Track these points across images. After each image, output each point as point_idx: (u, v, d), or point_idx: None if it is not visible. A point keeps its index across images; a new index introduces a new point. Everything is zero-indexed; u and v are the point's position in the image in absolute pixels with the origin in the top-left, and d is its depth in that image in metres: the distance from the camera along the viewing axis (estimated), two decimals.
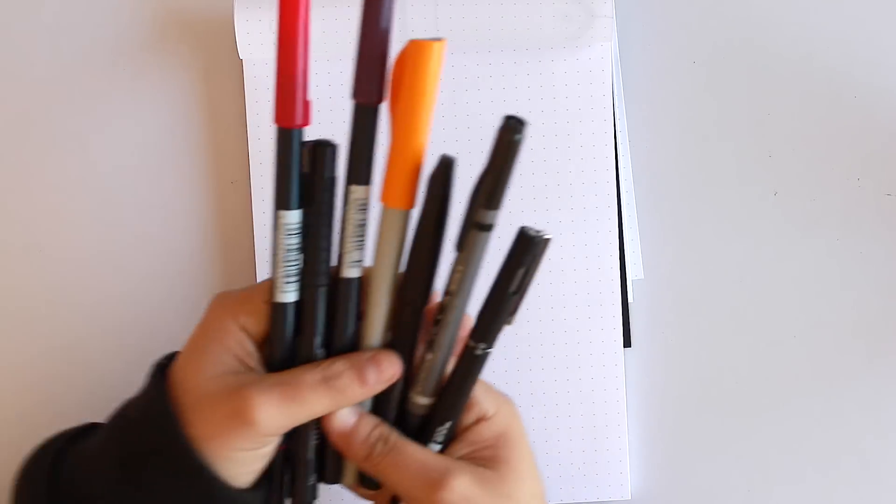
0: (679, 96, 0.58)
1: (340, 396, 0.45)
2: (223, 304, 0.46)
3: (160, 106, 0.57)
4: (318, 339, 0.46)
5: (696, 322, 0.57)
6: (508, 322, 0.46)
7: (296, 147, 0.45)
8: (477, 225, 0.44)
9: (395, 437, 0.46)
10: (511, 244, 0.44)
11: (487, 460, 0.46)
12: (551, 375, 0.56)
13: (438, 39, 0.43)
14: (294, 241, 0.46)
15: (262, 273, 0.56)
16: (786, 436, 0.57)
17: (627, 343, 0.57)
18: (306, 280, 0.46)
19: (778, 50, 0.58)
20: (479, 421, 0.47)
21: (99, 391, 0.56)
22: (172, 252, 0.57)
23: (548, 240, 0.44)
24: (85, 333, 0.56)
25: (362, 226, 0.46)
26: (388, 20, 0.44)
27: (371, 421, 0.46)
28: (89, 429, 0.49)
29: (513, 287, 0.44)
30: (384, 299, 0.46)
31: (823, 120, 0.58)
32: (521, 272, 0.44)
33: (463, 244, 0.45)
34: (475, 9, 0.55)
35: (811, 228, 0.57)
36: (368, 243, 0.46)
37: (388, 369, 0.46)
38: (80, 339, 0.56)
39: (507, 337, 0.55)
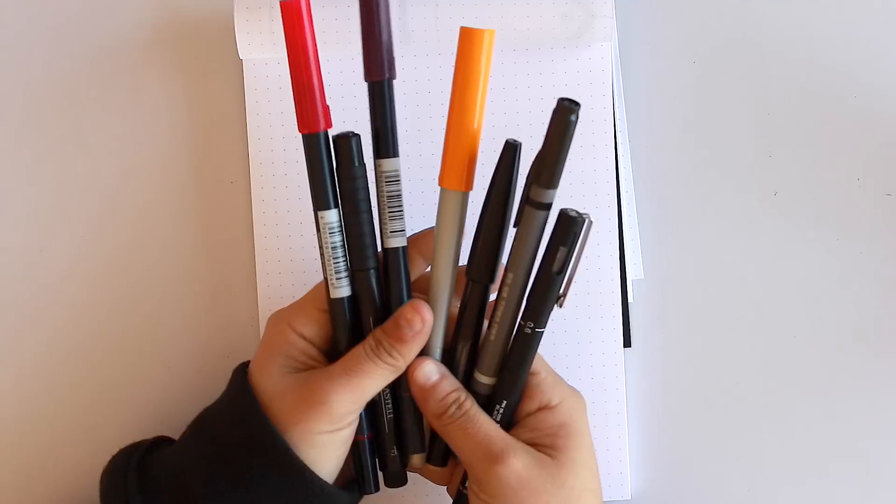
0: (679, 96, 0.58)
1: (391, 359, 0.48)
2: (279, 317, 0.49)
3: (160, 106, 0.57)
4: (371, 320, 0.49)
5: (696, 322, 0.57)
6: (559, 304, 0.47)
7: (323, 150, 0.48)
8: (533, 203, 0.45)
9: (470, 404, 0.48)
10: (553, 226, 0.46)
11: (547, 447, 0.48)
12: None
13: (489, 29, 0.47)
14: (338, 238, 0.48)
15: (262, 273, 0.56)
16: (786, 436, 0.57)
17: (627, 343, 0.57)
18: (355, 265, 0.49)
19: (778, 50, 0.58)
20: (541, 409, 0.49)
21: (99, 391, 0.56)
22: (172, 252, 0.57)
23: (587, 221, 0.45)
24: (85, 333, 0.56)
25: (395, 196, 0.49)
26: (385, 2, 0.47)
27: (452, 383, 0.49)
28: (162, 440, 0.51)
29: (556, 267, 0.46)
30: (446, 278, 0.49)
31: (823, 120, 0.58)
32: (562, 252, 0.46)
33: (519, 221, 0.46)
34: (475, 9, 0.55)
35: (811, 228, 0.57)
36: (408, 213, 0.49)
37: (414, 318, 0.48)
38: (80, 339, 0.56)
39: None
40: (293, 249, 0.56)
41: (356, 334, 0.49)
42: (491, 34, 0.46)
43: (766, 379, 0.57)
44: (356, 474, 0.51)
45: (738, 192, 0.58)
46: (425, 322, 0.48)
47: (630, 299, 0.57)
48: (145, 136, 0.57)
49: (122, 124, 0.57)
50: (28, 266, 0.56)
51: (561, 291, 0.47)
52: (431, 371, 0.49)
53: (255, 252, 0.56)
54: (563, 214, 0.45)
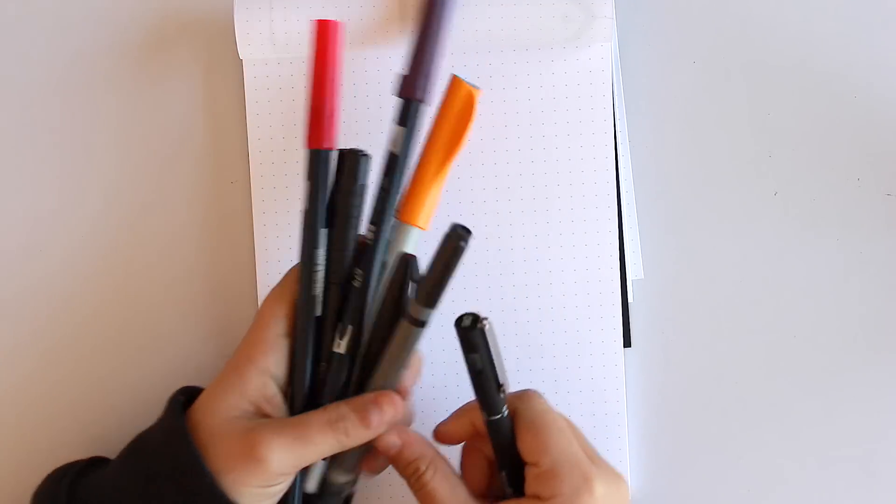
0: (679, 96, 0.58)
1: (345, 438, 0.47)
2: (239, 355, 0.49)
3: (160, 106, 0.57)
4: (336, 335, 0.50)
5: (696, 322, 0.57)
6: (501, 391, 0.48)
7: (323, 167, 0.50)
8: (412, 319, 0.46)
9: (431, 475, 0.48)
10: (457, 335, 0.47)
11: None
12: (551, 375, 0.56)
13: (477, 87, 0.50)
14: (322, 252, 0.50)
15: (263, 273, 0.56)
16: (785, 435, 0.57)
17: (627, 343, 0.57)
18: (332, 279, 0.50)
19: (778, 50, 0.58)
20: (535, 497, 0.47)
21: (99, 390, 0.56)
22: (172, 252, 0.57)
23: (486, 325, 0.46)
24: (85, 333, 0.56)
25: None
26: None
27: (413, 453, 0.48)
28: (96, 461, 0.51)
29: (478, 367, 0.47)
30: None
31: (823, 120, 0.58)
32: (474, 357, 0.46)
33: (393, 334, 0.47)
34: (476, 9, 0.55)
35: (811, 228, 0.57)
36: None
37: (389, 410, 0.48)
38: (80, 339, 0.56)
39: (508, 337, 0.56)
40: (293, 250, 0.56)
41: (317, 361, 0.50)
42: (476, 93, 0.49)
43: (766, 379, 0.57)
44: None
45: (738, 192, 0.58)
46: (396, 417, 0.48)
47: (630, 299, 0.57)
48: (145, 136, 0.57)
49: (122, 124, 0.57)
50: (28, 266, 0.56)
51: (500, 381, 0.47)
52: (392, 443, 0.48)
53: (255, 252, 0.56)
54: (458, 326, 0.46)
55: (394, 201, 0.50)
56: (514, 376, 0.56)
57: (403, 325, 0.46)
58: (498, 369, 0.47)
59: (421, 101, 0.51)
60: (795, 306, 0.57)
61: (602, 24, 0.55)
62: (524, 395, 0.50)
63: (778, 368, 0.57)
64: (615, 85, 0.57)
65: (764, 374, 0.57)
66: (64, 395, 0.56)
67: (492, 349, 0.46)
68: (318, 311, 0.49)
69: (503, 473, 0.49)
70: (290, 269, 0.51)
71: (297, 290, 0.49)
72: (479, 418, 0.48)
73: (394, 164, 0.50)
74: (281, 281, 0.51)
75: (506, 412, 0.48)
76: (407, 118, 0.50)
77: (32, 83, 0.57)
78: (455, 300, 0.56)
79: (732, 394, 0.57)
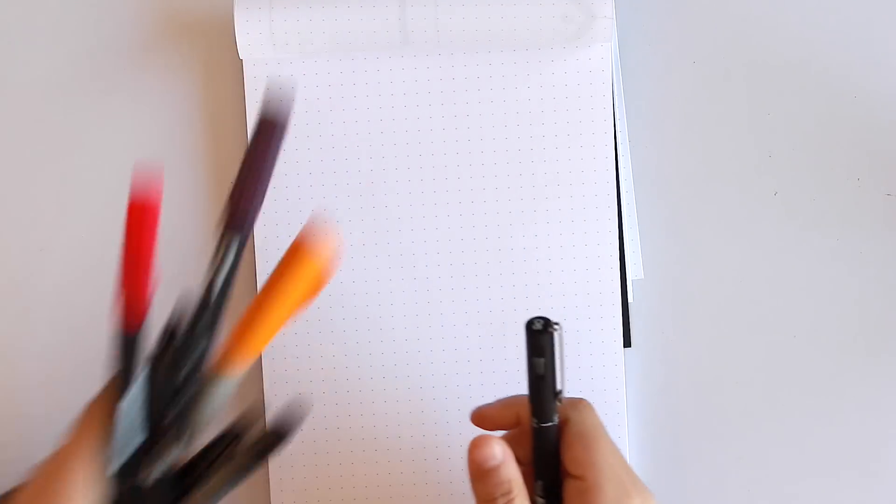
0: (679, 96, 0.58)
1: None
2: (64, 458, 0.44)
3: (160, 106, 0.57)
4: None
5: (696, 322, 0.57)
6: (558, 399, 0.47)
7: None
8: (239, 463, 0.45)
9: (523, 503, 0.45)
10: (525, 337, 0.46)
11: None
12: None
13: (325, 250, 0.43)
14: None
15: (263, 274, 0.56)
16: (786, 436, 0.57)
17: (627, 343, 0.57)
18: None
19: (778, 50, 0.58)
20: None
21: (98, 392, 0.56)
22: (172, 252, 0.56)
23: (557, 332, 0.46)
24: (85, 333, 0.56)
25: None
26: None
27: (510, 473, 0.45)
28: None
29: (539, 371, 0.46)
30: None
31: (823, 120, 0.58)
32: (540, 361, 0.46)
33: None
34: (475, 9, 0.55)
35: (811, 228, 0.57)
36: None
37: None
38: (80, 339, 0.56)
39: (508, 337, 0.56)
40: None
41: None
42: (319, 263, 0.43)
43: (767, 379, 0.57)
44: None
45: (738, 192, 0.58)
46: None
47: (630, 299, 0.57)
48: (145, 136, 0.57)
49: (122, 124, 0.57)
50: (28, 266, 0.56)
51: (559, 388, 0.47)
52: (495, 454, 0.45)
53: (254, 253, 0.56)
54: (529, 329, 0.46)
55: (204, 356, 0.46)
56: (514, 375, 0.56)
57: (222, 470, 0.45)
58: (559, 376, 0.46)
59: (246, 234, 0.46)
60: (795, 306, 0.57)
61: (602, 24, 0.55)
62: (577, 404, 0.48)
63: (778, 368, 0.57)
64: (615, 85, 0.57)
65: (764, 373, 0.57)
66: (62, 395, 0.56)
67: (557, 355, 0.46)
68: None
69: (539, 483, 0.47)
70: (94, 402, 0.45)
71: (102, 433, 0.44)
72: (526, 414, 0.47)
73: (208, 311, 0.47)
74: (84, 414, 0.45)
75: (556, 420, 0.47)
76: (227, 253, 0.47)
77: (32, 83, 0.57)
78: (455, 300, 0.56)
79: (733, 393, 0.57)
